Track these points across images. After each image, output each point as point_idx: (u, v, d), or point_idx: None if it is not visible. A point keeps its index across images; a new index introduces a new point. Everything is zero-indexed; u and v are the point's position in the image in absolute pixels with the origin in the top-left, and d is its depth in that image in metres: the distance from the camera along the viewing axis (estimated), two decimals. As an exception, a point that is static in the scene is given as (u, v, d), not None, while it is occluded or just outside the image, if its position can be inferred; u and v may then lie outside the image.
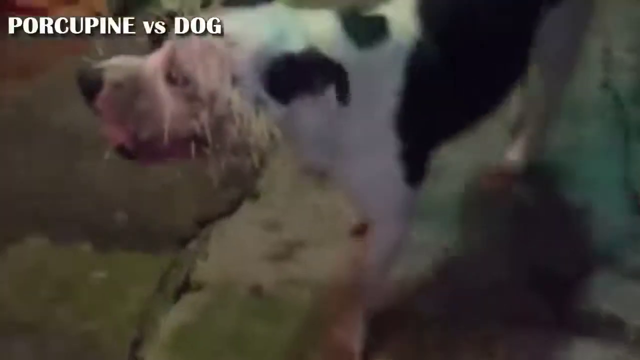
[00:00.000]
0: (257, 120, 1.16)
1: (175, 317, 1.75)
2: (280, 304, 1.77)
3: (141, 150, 1.23)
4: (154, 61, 1.21)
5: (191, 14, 1.20)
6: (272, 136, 1.18)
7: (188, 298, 1.80)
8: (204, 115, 1.16)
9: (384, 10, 1.41)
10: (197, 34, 1.16)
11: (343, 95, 1.18)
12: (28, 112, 2.37)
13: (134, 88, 1.19)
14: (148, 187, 2.05)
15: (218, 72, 1.15)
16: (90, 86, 1.19)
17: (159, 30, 1.25)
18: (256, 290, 1.79)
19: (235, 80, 1.15)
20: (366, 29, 1.32)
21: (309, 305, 1.76)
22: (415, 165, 1.42)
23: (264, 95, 1.18)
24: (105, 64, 1.21)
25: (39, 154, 2.21)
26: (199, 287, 1.82)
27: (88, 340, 1.71)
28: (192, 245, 1.92)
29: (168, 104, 1.18)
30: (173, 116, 1.17)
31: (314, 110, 1.24)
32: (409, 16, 1.39)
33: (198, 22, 1.17)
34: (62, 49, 2.55)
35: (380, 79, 1.31)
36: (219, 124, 1.17)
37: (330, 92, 1.19)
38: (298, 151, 1.40)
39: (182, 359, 1.67)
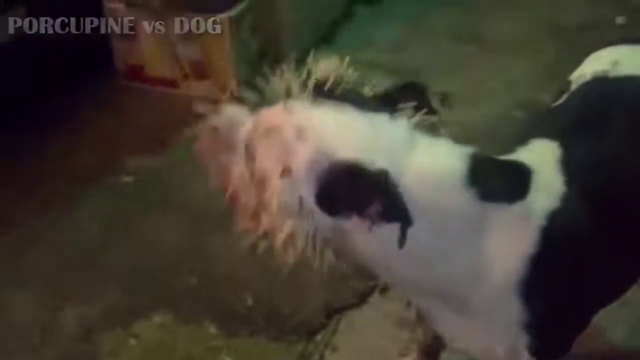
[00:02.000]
0: (294, 221, 1.08)
1: (306, 412, 1.69)
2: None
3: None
4: (250, 123, 1.17)
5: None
6: (311, 246, 1.09)
7: (319, 393, 1.74)
8: (253, 195, 1.12)
9: (524, 156, 1.25)
10: (280, 116, 1.11)
11: (399, 238, 1.04)
12: (160, 183, 2.40)
13: (227, 139, 1.17)
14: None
15: (275, 158, 1.09)
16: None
17: None
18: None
19: (286, 171, 1.08)
20: (499, 180, 1.17)
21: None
22: (548, 341, 1.22)
23: (312, 200, 1.08)
24: (222, 109, 1.19)
25: (167, 227, 2.22)
26: (329, 381, 1.75)
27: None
28: (321, 335, 1.86)
29: (235, 169, 1.15)
30: (235, 183, 1.15)
31: (367, 239, 1.10)
32: (552, 166, 1.22)
33: (290, 106, 1.12)
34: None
35: (504, 240, 1.14)
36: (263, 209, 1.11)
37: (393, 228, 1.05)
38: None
39: None
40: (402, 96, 1.16)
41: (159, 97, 2.78)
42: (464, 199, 1.12)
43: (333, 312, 1.91)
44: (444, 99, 2.81)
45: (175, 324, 1.91)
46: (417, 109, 1.16)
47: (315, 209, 1.09)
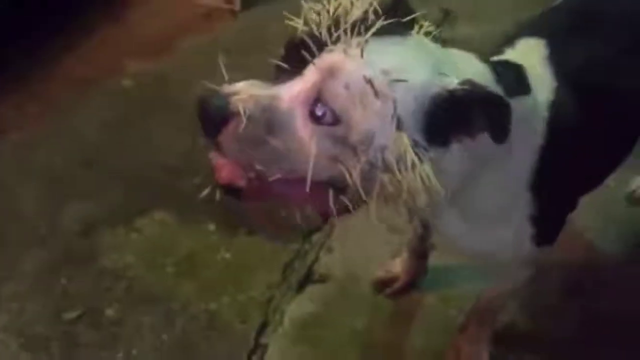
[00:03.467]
0: (417, 170, 1.00)
1: (299, 307, 1.76)
2: (404, 306, 1.76)
3: (252, 191, 1.06)
4: (291, 93, 1.02)
5: (342, 39, 1.01)
6: (430, 191, 1.02)
7: (312, 289, 1.81)
8: (354, 161, 0.99)
9: (512, 55, 1.28)
10: (353, 65, 0.99)
11: (503, 132, 1.02)
12: (161, 87, 2.41)
13: (267, 121, 1.01)
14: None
15: (378, 113, 0.98)
16: (215, 117, 1.00)
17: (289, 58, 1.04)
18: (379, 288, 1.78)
19: (399, 122, 0.99)
20: (512, 77, 1.18)
21: (433, 310, 1.74)
22: (549, 227, 1.29)
23: (423, 139, 1.02)
24: (232, 90, 1.02)
25: (169, 130, 2.24)
26: (323, 280, 1.82)
27: (213, 319, 1.74)
28: (317, 237, 1.93)
29: (310, 145, 1.00)
30: (315, 159, 0.99)
31: (463, 156, 1.08)
32: (540, 63, 1.26)
33: (353, 50, 0.99)
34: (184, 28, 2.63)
35: (521, 134, 1.13)
36: (370, 172, 1.00)
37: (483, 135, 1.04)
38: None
39: (305, 349, 1.68)
40: (394, 13, 1.08)
41: (161, 3, 2.77)
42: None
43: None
44: (446, 15, 2.82)
45: (175, 222, 1.97)
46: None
47: (428, 145, 1.02)
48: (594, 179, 1.41)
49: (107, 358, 1.68)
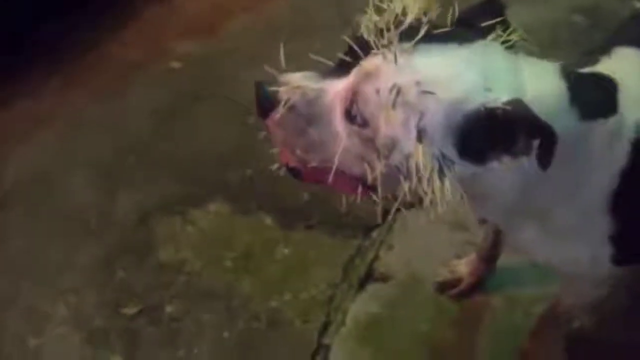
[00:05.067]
0: (438, 182, 1.00)
1: (361, 306, 1.73)
2: (470, 308, 1.72)
3: (309, 173, 1.12)
4: (335, 89, 1.06)
5: (388, 44, 1.01)
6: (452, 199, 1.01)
7: (373, 288, 1.77)
8: (377, 164, 1.02)
9: (610, 66, 1.20)
10: (388, 71, 1.00)
11: (545, 160, 0.98)
12: (209, 70, 2.36)
13: (309, 114, 1.07)
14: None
15: (402, 122, 0.99)
16: (265, 103, 1.08)
17: (349, 56, 1.06)
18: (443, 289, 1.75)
19: (421, 134, 0.99)
20: (595, 96, 1.12)
21: (500, 313, 1.71)
22: (629, 247, 1.24)
23: (453, 153, 1.01)
24: (285, 79, 1.08)
25: (217, 117, 2.21)
26: (384, 279, 1.79)
27: (274, 318, 1.71)
28: (376, 233, 1.89)
29: (341, 141, 1.05)
30: (344, 155, 1.05)
31: (507, 174, 1.05)
32: (637, 77, 1.18)
33: (391, 56, 0.99)
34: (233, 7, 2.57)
35: (598, 156, 1.12)
36: (393, 175, 1.03)
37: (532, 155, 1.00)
38: (480, 209, 1.26)
39: (368, 351, 1.66)
40: (479, 16, 1.07)
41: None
42: (571, 120, 1.07)
43: (388, 211, 1.93)
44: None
45: (231, 214, 1.94)
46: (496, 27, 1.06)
47: (459, 161, 1.01)
48: None
49: (168, 356, 1.67)
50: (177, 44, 2.47)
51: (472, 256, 1.72)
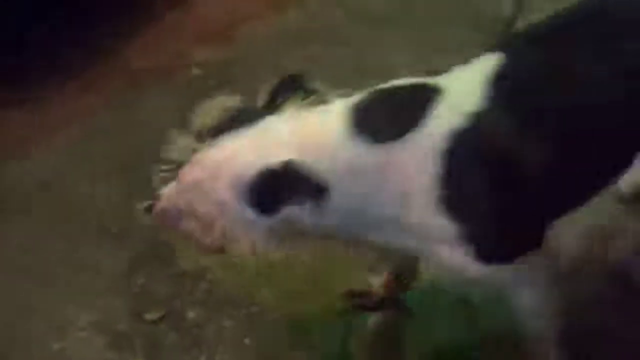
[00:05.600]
0: (245, 238, 1.27)
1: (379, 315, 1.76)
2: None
3: None
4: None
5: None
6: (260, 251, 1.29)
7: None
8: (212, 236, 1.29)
9: (455, 73, 1.30)
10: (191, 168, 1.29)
11: (322, 204, 1.22)
12: (229, 76, 2.37)
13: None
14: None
15: (206, 204, 1.26)
16: None
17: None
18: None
19: (222, 207, 1.25)
20: (393, 116, 1.25)
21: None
22: (485, 245, 1.26)
23: (250, 213, 1.24)
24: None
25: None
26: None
27: (294, 326, 1.74)
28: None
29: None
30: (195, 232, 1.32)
31: (316, 214, 1.24)
32: (476, 83, 1.24)
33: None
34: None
35: (415, 165, 1.21)
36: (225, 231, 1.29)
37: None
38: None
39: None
40: (280, 92, 1.33)
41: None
42: (355, 150, 1.21)
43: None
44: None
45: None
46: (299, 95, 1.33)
47: (258, 216, 1.25)
48: (550, 207, 1.34)
49: (191, 361, 1.70)
50: (194, 50, 2.50)
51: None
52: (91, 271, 1.88)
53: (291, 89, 1.34)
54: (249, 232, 1.27)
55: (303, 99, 1.33)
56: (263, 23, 2.57)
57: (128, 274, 1.86)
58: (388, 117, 1.25)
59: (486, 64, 1.27)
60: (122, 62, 2.48)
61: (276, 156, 1.21)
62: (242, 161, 1.24)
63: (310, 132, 1.26)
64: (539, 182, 1.25)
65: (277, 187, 1.22)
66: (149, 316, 1.77)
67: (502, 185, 1.23)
